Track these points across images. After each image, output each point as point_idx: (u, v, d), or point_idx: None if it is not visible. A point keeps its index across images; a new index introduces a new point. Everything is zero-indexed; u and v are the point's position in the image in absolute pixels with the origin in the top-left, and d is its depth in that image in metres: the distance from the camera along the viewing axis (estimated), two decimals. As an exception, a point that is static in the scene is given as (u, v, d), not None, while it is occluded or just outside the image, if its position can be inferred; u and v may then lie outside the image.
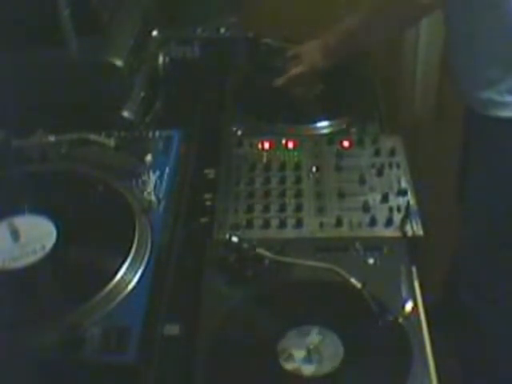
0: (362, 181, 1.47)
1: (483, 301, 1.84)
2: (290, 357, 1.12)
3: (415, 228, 1.36)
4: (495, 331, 1.87)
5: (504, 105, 1.59)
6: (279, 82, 1.76)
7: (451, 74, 1.74)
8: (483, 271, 1.81)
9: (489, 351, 1.90)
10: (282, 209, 1.42)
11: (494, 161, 1.67)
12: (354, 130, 1.65)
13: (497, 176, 1.68)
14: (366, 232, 1.36)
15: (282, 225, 1.38)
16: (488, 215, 1.73)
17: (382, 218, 1.38)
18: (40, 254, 1.14)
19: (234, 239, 1.28)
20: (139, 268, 1.13)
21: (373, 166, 1.51)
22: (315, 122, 1.69)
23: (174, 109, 1.62)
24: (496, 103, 1.59)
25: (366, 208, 1.40)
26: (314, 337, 1.14)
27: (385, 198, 1.42)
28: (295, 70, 1.75)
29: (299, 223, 1.38)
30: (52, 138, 1.36)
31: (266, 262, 1.25)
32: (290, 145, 1.58)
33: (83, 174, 1.31)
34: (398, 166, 1.50)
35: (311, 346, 1.13)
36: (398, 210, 1.40)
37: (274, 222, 1.39)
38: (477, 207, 1.76)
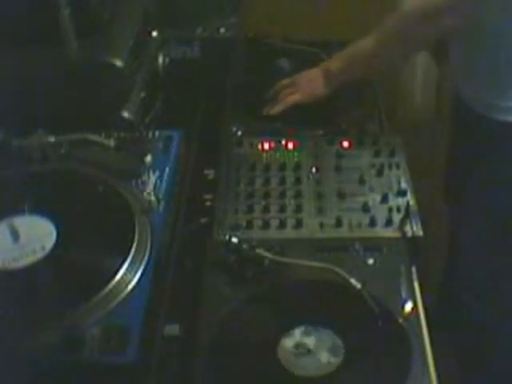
0: (362, 181, 1.47)
1: (483, 301, 1.84)
2: (290, 357, 1.12)
3: (415, 228, 1.36)
4: (495, 331, 1.87)
5: (507, 109, 1.59)
6: (275, 109, 1.70)
7: (453, 74, 1.74)
8: (482, 271, 1.81)
9: (489, 351, 1.90)
10: (282, 209, 1.42)
11: (495, 162, 1.67)
12: (354, 130, 1.65)
13: (498, 177, 1.68)
14: (365, 232, 1.36)
15: (282, 225, 1.38)
16: (489, 216, 1.73)
17: (381, 218, 1.38)
18: (40, 254, 1.14)
19: (234, 240, 1.28)
20: (139, 268, 1.13)
21: (372, 166, 1.51)
22: (315, 122, 1.69)
23: (174, 109, 1.62)
24: (498, 107, 1.60)
25: (365, 208, 1.40)
26: (314, 337, 1.14)
27: (384, 199, 1.42)
28: (292, 99, 1.70)
29: (299, 224, 1.38)
30: (52, 138, 1.36)
31: (266, 262, 1.25)
32: (290, 145, 1.58)
33: (83, 174, 1.31)
34: (398, 167, 1.50)
35: (311, 347, 1.13)
36: (398, 210, 1.40)
37: (274, 223, 1.39)
38: (477, 208, 1.76)
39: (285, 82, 1.75)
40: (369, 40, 1.62)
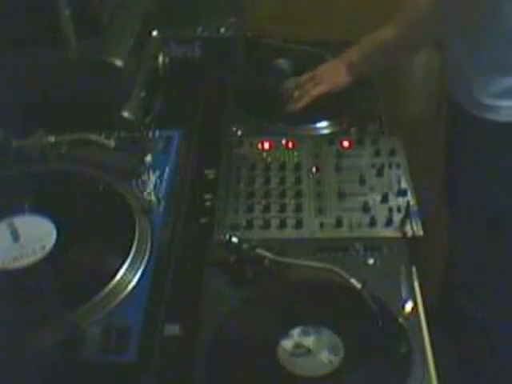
0: (362, 181, 1.47)
1: (482, 301, 1.84)
2: (290, 357, 1.12)
3: (415, 228, 1.36)
4: (494, 331, 1.87)
5: (494, 108, 1.60)
6: (300, 104, 1.72)
7: (447, 73, 1.75)
8: (481, 271, 1.81)
9: (488, 351, 1.90)
10: (282, 209, 1.42)
11: (488, 162, 1.67)
12: (353, 129, 1.65)
13: (491, 177, 1.69)
14: (365, 232, 1.36)
15: (282, 225, 1.38)
16: (481, 216, 1.73)
17: (381, 218, 1.38)
18: (40, 254, 1.14)
19: (234, 240, 1.28)
20: (139, 268, 1.13)
21: (373, 166, 1.51)
22: (315, 122, 1.69)
23: (174, 109, 1.62)
24: (486, 106, 1.60)
25: (365, 208, 1.40)
26: (314, 337, 1.14)
27: (385, 199, 1.42)
28: (316, 91, 1.72)
29: (299, 223, 1.38)
30: (52, 138, 1.36)
31: (266, 262, 1.25)
32: (290, 145, 1.58)
33: (83, 174, 1.31)
34: (398, 167, 1.51)
35: (311, 347, 1.13)
36: (398, 210, 1.40)
37: (274, 223, 1.39)
38: (473, 208, 1.76)
39: (304, 77, 1.76)
40: (388, 30, 1.64)
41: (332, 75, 1.73)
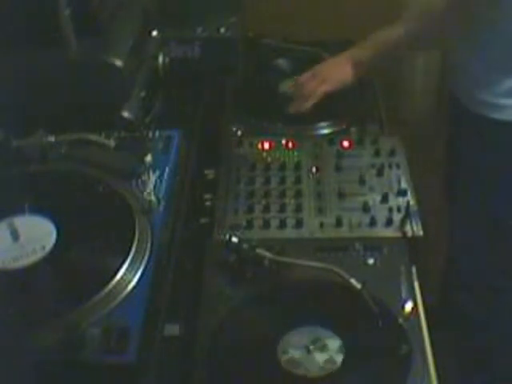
0: (362, 181, 1.47)
1: (482, 301, 1.84)
2: (290, 357, 1.12)
3: (415, 228, 1.36)
4: (495, 331, 1.87)
5: (498, 107, 1.60)
6: (306, 105, 1.69)
7: (450, 72, 1.75)
8: (482, 271, 1.81)
9: (488, 351, 1.91)
10: (282, 209, 1.42)
11: (491, 161, 1.67)
12: (353, 130, 1.65)
13: (490, 177, 1.69)
14: (365, 232, 1.36)
15: (282, 225, 1.38)
16: (481, 216, 1.73)
17: (381, 218, 1.38)
18: (40, 254, 1.14)
19: (234, 239, 1.28)
20: (139, 268, 1.13)
21: (373, 166, 1.51)
22: (315, 122, 1.69)
23: (174, 109, 1.62)
24: (490, 105, 1.60)
25: (365, 208, 1.40)
26: (314, 337, 1.14)
27: (385, 199, 1.42)
28: (322, 90, 1.69)
29: (299, 223, 1.38)
30: (52, 138, 1.36)
31: (266, 262, 1.25)
32: (290, 145, 1.58)
33: (83, 174, 1.31)
34: (398, 167, 1.51)
35: (311, 347, 1.13)
36: (398, 210, 1.40)
37: (274, 223, 1.39)
38: (469, 208, 1.76)
39: (304, 76, 1.73)
40: (396, 29, 1.63)
41: (337, 72, 1.70)
